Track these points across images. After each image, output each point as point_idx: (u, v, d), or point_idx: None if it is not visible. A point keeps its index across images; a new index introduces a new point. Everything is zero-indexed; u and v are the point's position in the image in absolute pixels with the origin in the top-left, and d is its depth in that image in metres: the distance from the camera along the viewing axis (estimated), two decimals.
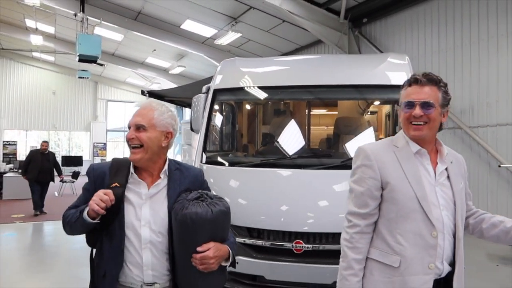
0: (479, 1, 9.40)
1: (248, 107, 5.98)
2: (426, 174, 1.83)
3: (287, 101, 5.61)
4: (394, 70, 4.85)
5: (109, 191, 1.77)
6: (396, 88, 4.67)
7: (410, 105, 1.83)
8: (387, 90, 4.75)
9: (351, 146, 4.83)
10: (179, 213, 1.79)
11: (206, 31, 15.41)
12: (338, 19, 12.35)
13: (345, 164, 4.36)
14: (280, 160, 4.62)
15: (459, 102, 9.64)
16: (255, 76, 5.16)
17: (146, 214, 1.87)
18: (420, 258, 1.74)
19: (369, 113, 5.73)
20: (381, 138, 5.40)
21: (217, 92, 5.11)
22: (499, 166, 7.82)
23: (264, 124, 5.79)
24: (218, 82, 5.18)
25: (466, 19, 9.69)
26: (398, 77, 4.75)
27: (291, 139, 5.01)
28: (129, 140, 1.87)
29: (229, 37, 14.77)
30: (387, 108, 5.46)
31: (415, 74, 1.89)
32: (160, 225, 1.87)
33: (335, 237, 3.75)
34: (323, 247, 3.70)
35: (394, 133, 4.70)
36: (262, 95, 5.08)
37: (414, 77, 1.87)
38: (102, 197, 1.73)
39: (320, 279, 3.67)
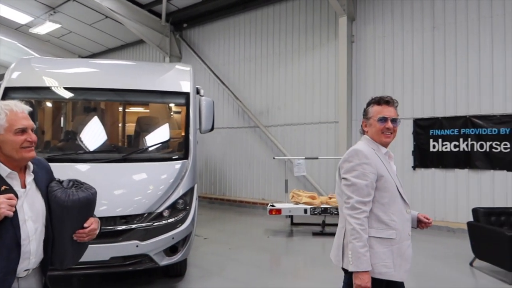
0: (274, 20, 11.29)
1: (47, 105, 6.14)
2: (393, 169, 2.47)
3: (84, 101, 5.98)
4: (178, 79, 5.76)
5: (11, 195, 1.87)
6: (178, 94, 5.65)
7: (384, 120, 2.40)
8: (170, 95, 5.64)
9: (144, 141, 5.54)
10: (68, 200, 2.06)
11: (20, 17, 14.21)
12: (160, 22, 12.99)
13: (131, 157, 5.04)
14: (72, 155, 5.00)
15: (259, 105, 11.43)
16: (49, 76, 5.39)
17: (27, 209, 2.00)
18: (404, 229, 2.36)
19: (171, 114, 6.52)
20: (183, 135, 6.24)
21: (8, 90, 5.18)
22: (274, 158, 9.56)
23: (60, 122, 6.06)
24: (10, 80, 5.25)
25: (265, 35, 11.49)
26: (181, 85, 5.68)
27: (86, 136, 5.45)
28: (33, 142, 2.01)
29: (47, 27, 13.98)
30: (183, 109, 6.26)
31: (384, 97, 2.47)
32: (39, 216, 2.05)
33: (116, 220, 4.42)
34: (103, 229, 4.32)
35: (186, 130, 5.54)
36: (53, 94, 5.33)
37: (386, 99, 2.45)
38: (10, 202, 1.84)
39: (99, 257, 4.30)
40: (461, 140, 8.02)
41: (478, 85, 7.95)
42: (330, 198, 7.71)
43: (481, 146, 7.78)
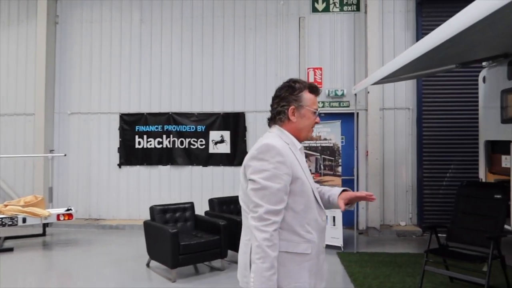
0: None
1: None
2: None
3: None
4: None
5: None
6: None
7: (317, 113, 2.00)
8: None
9: None
10: None
11: None
12: None
13: None
14: None
15: None
16: None
17: None
18: (320, 241, 1.92)
19: None
20: None
21: None
22: None
23: None
24: None
25: None
26: None
27: None
28: None
29: None
30: None
31: (315, 85, 2.03)
32: None
33: None
34: None
35: None
36: None
37: (319, 89, 2.03)
38: None
39: None
40: (164, 136, 8.02)
41: (180, 83, 8.13)
42: (6, 206, 6.32)
43: (182, 143, 7.97)
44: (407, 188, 7.58)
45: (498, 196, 4.28)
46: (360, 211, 7.46)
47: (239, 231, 5.74)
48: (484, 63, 5.81)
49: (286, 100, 1.94)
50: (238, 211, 6.21)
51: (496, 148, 5.61)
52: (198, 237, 5.11)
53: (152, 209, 5.34)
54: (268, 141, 1.86)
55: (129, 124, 8.11)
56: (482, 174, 5.89)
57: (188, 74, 8.12)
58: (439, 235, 4.48)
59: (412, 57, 3.48)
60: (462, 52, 4.10)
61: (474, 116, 6.34)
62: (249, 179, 1.84)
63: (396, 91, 7.62)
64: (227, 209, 6.06)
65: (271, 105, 2.01)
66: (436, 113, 7.44)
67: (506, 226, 4.60)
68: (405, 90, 7.61)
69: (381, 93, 7.56)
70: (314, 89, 2.00)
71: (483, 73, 5.89)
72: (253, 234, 1.78)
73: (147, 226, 5.22)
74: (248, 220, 1.85)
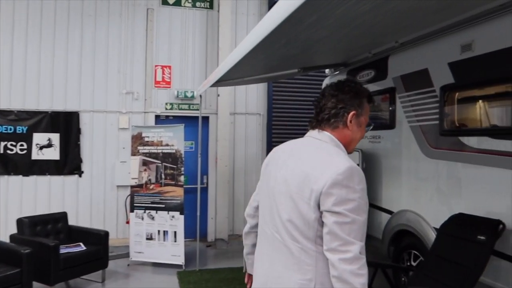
0: None
1: None
2: None
3: None
4: None
5: None
6: None
7: (369, 128, 1.79)
8: None
9: None
10: None
11: None
12: None
13: None
14: None
15: None
16: None
17: None
18: None
19: None
20: None
21: None
22: None
23: None
24: None
25: None
26: None
27: None
28: None
29: None
30: None
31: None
32: None
33: None
34: None
35: None
36: None
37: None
38: None
39: None
40: None
41: None
42: None
43: None
44: None
45: None
46: (209, 222, 6.99)
47: (51, 258, 4.53)
48: (327, 71, 5.87)
49: (346, 102, 1.63)
50: (57, 231, 5.12)
51: None
52: None
53: None
54: (349, 163, 1.53)
55: None
56: None
57: (7, 63, 6.60)
58: None
59: (243, 52, 3.05)
60: (301, 53, 3.88)
61: None
62: (332, 211, 1.46)
63: (248, 95, 7.38)
64: (42, 231, 4.92)
65: (321, 104, 1.66)
66: (285, 119, 7.43)
67: None
68: (257, 95, 7.43)
69: (233, 97, 7.23)
70: (371, 99, 1.74)
71: (326, 81, 5.95)
72: (345, 280, 1.42)
73: None
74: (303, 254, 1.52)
